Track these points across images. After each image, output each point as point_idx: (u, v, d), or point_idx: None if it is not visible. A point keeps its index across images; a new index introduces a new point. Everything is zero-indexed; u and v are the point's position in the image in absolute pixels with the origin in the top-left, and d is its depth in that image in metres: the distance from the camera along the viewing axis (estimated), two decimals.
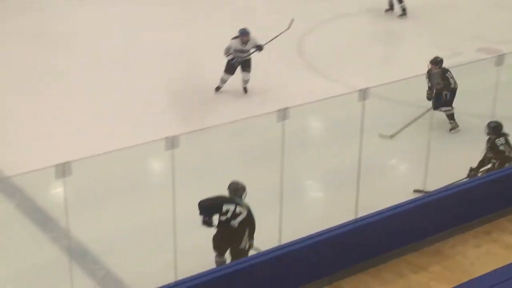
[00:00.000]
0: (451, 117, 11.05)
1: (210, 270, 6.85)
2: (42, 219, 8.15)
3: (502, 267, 7.44)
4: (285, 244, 7.18)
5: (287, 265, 7.19)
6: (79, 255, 7.52)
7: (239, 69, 12.36)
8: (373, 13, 16.67)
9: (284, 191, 7.76)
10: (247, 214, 7.50)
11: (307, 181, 9.88)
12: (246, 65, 12.38)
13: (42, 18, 15.98)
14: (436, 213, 8.06)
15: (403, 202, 8.05)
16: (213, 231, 7.51)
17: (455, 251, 7.81)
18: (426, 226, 7.94)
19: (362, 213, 7.80)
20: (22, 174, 6.83)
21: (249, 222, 7.52)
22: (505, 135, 9.20)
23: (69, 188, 6.38)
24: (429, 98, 10.93)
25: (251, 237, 7.60)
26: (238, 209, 7.45)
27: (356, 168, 8.66)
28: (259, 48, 12.24)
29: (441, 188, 8.33)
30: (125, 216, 8.20)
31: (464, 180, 9.07)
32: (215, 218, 7.47)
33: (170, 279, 6.46)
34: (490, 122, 9.28)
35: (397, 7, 16.04)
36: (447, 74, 11.00)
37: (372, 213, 7.60)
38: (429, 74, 10.97)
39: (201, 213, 7.44)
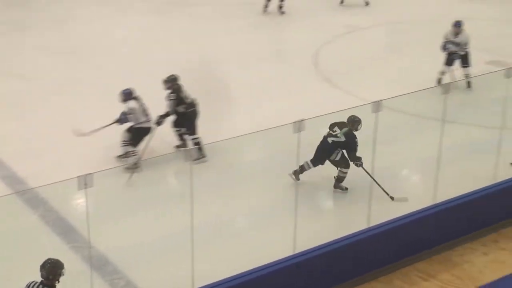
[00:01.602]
0: None
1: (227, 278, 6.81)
2: (64, 229, 8.12)
3: (510, 274, 7.33)
4: (299, 253, 7.11)
5: (301, 273, 7.13)
6: (100, 265, 7.47)
7: None
8: (386, 26, 16.59)
9: (300, 199, 7.72)
10: (344, 141, 8.99)
11: (323, 190, 9.77)
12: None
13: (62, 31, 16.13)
14: (445, 222, 7.96)
15: (414, 212, 7.97)
16: None
17: (463, 259, 7.71)
18: (436, 235, 7.85)
19: (374, 221, 7.72)
20: (46, 185, 6.81)
21: (344, 146, 9.04)
22: None
23: (91, 199, 6.35)
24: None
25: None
26: (339, 134, 9.02)
27: (368, 178, 8.61)
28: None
29: (450, 199, 8.20)
30: (145, 227, 8.14)
31: None
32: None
33: None
34: None
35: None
36: None
37: (384, 222, 7.52)
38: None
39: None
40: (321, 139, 9.15)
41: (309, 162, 9.25)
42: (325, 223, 8.59)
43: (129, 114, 9.84)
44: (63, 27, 16.52)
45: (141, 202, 8.67)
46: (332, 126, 9.18)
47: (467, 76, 12.73)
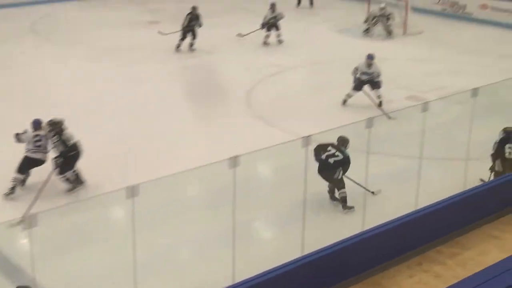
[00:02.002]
0: None
1: None
2: (8, 269, 7.89)
3: None
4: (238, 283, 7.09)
5: None
6: None
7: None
8: (309, 66, 16.93)
9: (237, 231, 7.73)
10: (342, 158, 9.63)
11: (257, 222, 9.82)
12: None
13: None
14: (375, 247, 8.08)
15: (346, 238, 8.07)
16: None
17: (391, 282, 7.83)
18: (366, 259, 7.95)
19: (308, 250, 7.78)
20: None
21: (342, 163, 9.65)
22: None
23: (35, 239, 6.22)
24: None
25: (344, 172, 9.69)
26: (337, 153, 9.69)
27: (302, 207, 8.71)
28: None
29: (378, 225, 8.36)
30: (89, 263, 7.99)
31: None
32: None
33: None
34: None
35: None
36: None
37: (316, 251, 7.56)
38: None
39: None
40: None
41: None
42: (259, 252, 8.63)
43: (22, 138, 10.16)
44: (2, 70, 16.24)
45: (84, 239, 8.51)
46: (322, 149, 9.73)
47: (379, 97, 13.60)
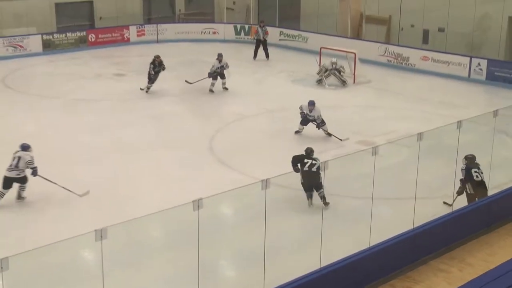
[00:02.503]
0: None
1: None
2: None
3: None
4: None
5: None
6: None
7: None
8: (266, 114, 17.07)
9: (201, 271, 7.64)
10: (319, 163, 10.74)
11: (221, 261, 9.73)
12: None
13: None
14: (331, 283, 8.06)
15: (303, 275, 8.05)
16: None
17: None
18: None
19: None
20: None
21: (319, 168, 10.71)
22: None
23: (7, 283, 6.03)
24: None
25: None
26: (313, 162, 11.09)
27: (263, 248, 8.67)
28: None
29: (333, 262, 8.37)
30: None
31: None
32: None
33: None
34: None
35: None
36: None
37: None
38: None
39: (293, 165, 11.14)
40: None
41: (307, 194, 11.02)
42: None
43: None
44: None
45: (55, 282, 8.29)
46: (298, 161, 11.11)
47: (325, 131, 14.87)
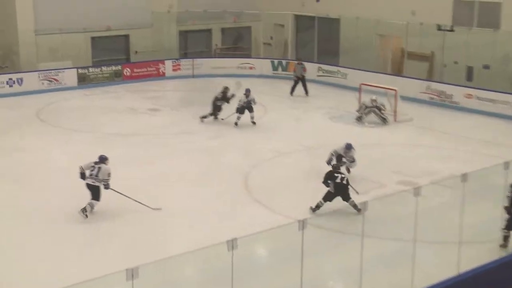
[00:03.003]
0: None
1: None
2: None
3: None
4: None
5: None
6: None
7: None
8: (309, 151, 17.03)
9: None
10: (347, 177, 12.51)
11: None
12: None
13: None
14: None
15: None
16: None
17: None
18: None
19: None
20: None
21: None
22: None
23: None
24: None
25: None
26: (343, 175, 12.42)
27: None
28: None
29: None
30: None
31: None
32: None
33: None
34: None
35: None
36: None
37: None
38: None
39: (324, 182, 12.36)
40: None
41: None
42: None
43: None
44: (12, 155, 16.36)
45: None
46: (334, 174, 12.20)
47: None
